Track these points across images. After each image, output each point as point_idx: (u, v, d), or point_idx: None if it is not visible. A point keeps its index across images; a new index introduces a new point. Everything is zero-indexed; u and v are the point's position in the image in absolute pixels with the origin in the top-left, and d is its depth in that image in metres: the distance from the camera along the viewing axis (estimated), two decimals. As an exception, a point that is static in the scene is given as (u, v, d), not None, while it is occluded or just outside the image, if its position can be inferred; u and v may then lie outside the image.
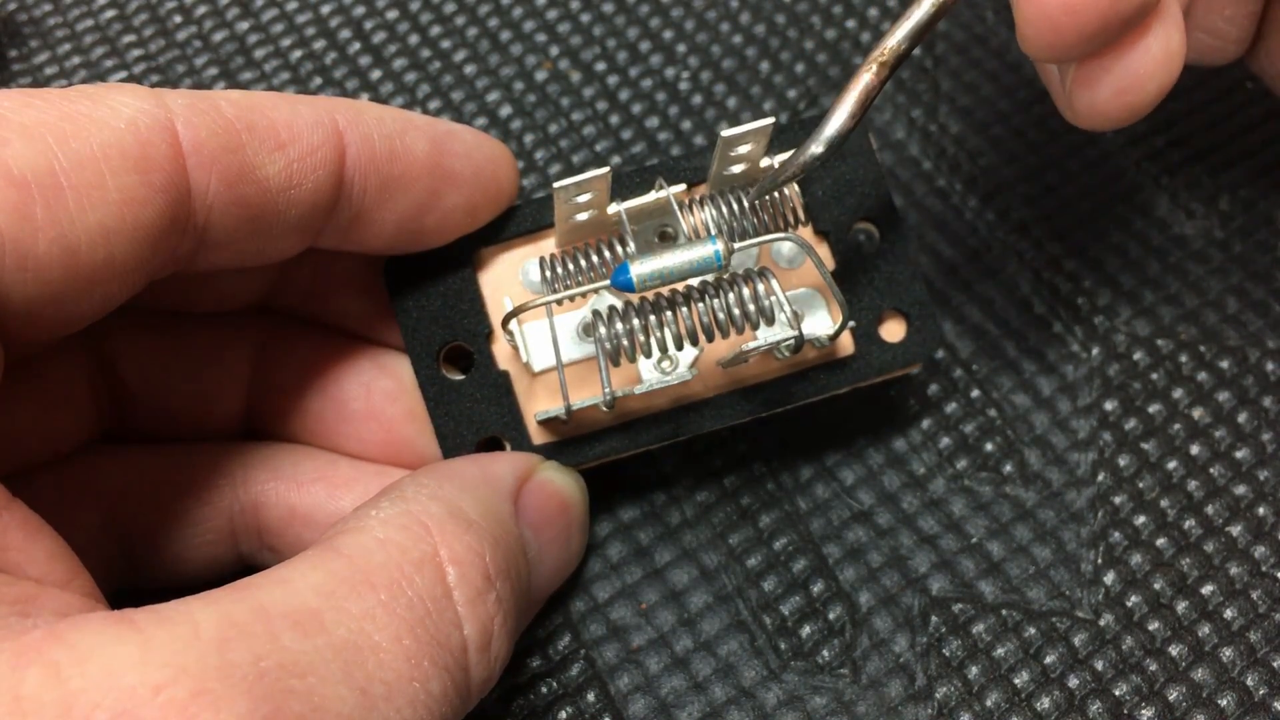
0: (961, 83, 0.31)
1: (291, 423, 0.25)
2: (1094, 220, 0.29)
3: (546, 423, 0.23)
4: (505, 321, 0.22)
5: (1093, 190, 0.29)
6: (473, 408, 0.24)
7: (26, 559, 0.18)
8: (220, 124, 0.20)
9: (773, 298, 0.21)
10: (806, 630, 0.24)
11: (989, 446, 0.26)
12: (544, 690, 0.24)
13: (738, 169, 0.23)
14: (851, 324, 0.23)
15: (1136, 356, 0.27)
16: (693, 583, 0.25)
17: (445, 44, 0.32)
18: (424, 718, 0.18)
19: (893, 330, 0.24)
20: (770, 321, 0.21)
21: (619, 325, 0.21)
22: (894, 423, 0.26)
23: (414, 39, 0.32)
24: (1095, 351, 0.27)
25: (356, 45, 0.32)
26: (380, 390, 0.25)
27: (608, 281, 0.21)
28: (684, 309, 0.21)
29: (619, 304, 0.21)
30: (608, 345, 0.21)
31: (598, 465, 0.24)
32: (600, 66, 0.32)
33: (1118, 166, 0.30)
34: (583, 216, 0.23)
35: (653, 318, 0.21)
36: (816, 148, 0.21)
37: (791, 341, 0.21)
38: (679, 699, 0.23)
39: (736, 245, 0.22)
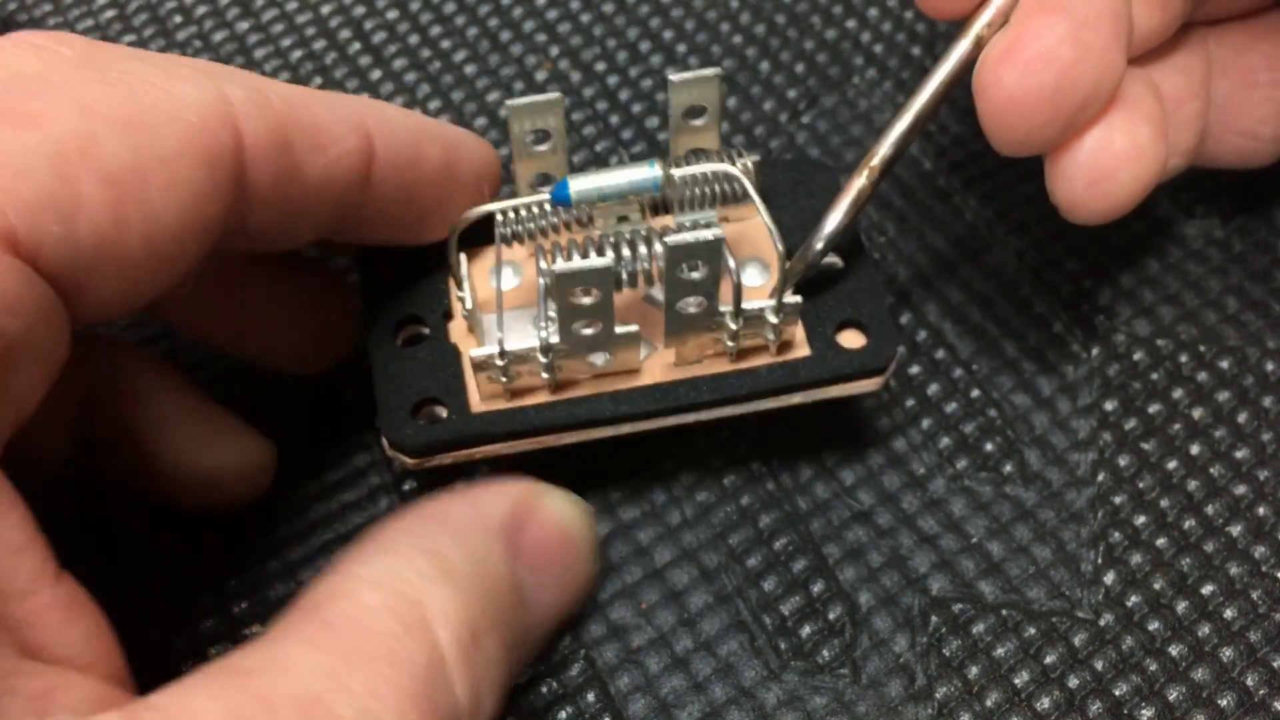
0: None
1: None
2: (1094, 220, 0.29)
3: (487, 383, 0.23)
4: (453, 241, 0.23)
5: (1093, 190, 0.29)
6: (417, 373, 0.23)
7: (59, 640, 0.18)
8: (273, 121, 0.20)
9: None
10: (806, 630, 0.24)
11: (989, 446, 0.26)
12: (544, 690, 0.24)
13: (694, 139, 0.24)
14: (797, 301, 0.23)
15: (1136, 356, 0.27)
16: (693, 583, 0.25)
17: (445, 44, 0.32)
18: None
19: (851, 339, 0.23)
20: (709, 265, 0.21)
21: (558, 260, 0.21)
22: (894, 423, 0.26)
23: (414, 39, 0.32)
24: (1095, 351, 0.27)
25: (356, 45, 0.32)
26: None
27: (548, 195, 0.22)
28: (625, 250, 0.22)
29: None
30: (547, 280, 0.21)
31: (540, 448, 0.23)
32: (600, 66, 0.32)
33: (1118, 166, 0.30)
34: (541, 147, 0.23)
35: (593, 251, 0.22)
36: (818, 244, 0.23)
37: (725, 309, 0.21)
38: (679, 699, 0.23)
39: (677, 171, 0.22)
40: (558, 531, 0.22)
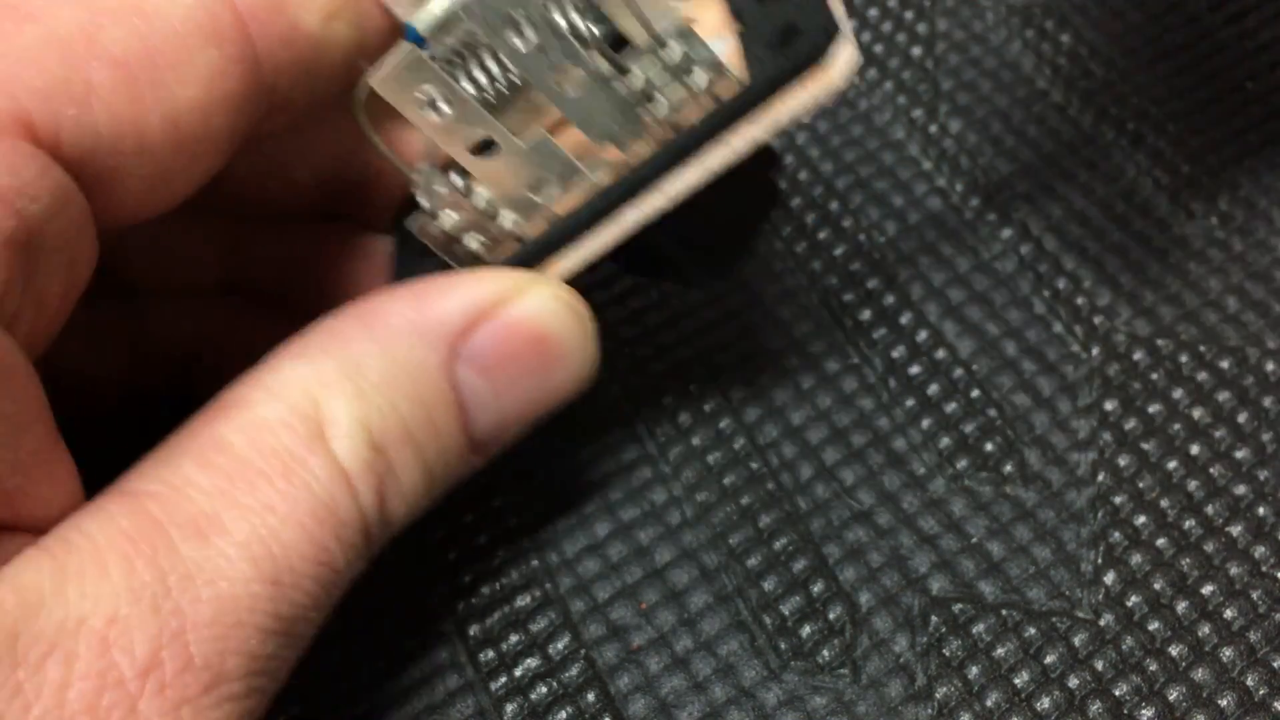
0: (961, 82, 0.31)
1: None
2: (1094, 220, 0.29)
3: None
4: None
5: (1092, 189, 0.29)
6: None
7: (40, 510, 0.18)
8: None
9: None
10: (806, 630, 0.24)
11: (989, 446, 0.26)
12: (544, 690, 0.24)
13: None
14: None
15: (1136, 356, 0.27)
16: (693, 583, 0.25)
17: (445, 44, 0.32)
18: (329, 592, 0.19)
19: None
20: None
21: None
22: (894, 423, 0.26)
23: (414, 39, 0.32)
24: (1095, 351, 0.27)
25: (356, 45, 0.32)
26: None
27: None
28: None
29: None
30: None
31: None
32: (600, 66, 0.32)
33: (1117, 166, 0.30)
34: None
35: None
36: None
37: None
38: (679, 699, 0.23)
39: None
40: (526, 333, 0.21)
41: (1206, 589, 0.24)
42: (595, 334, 0.22)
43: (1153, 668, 0.24)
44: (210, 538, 0.17)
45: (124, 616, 0.16)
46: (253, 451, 0.18)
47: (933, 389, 0.27)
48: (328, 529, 0.18)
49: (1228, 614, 0.24)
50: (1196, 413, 0.26)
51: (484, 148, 0.20)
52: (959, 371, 0.27)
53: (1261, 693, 0.23)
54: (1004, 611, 0.24)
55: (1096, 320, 0.28)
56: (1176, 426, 0.26)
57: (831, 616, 0.24)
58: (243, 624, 0.17)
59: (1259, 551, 0.25)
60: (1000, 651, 0.24)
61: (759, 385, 0.27)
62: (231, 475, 0.18)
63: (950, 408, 0.27)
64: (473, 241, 0.21)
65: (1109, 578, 0.25)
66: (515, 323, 0.20)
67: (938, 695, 0.23)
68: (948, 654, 0.24)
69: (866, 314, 0.28)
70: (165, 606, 0.17)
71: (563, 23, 0.19)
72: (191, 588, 0.17)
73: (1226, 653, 0.24)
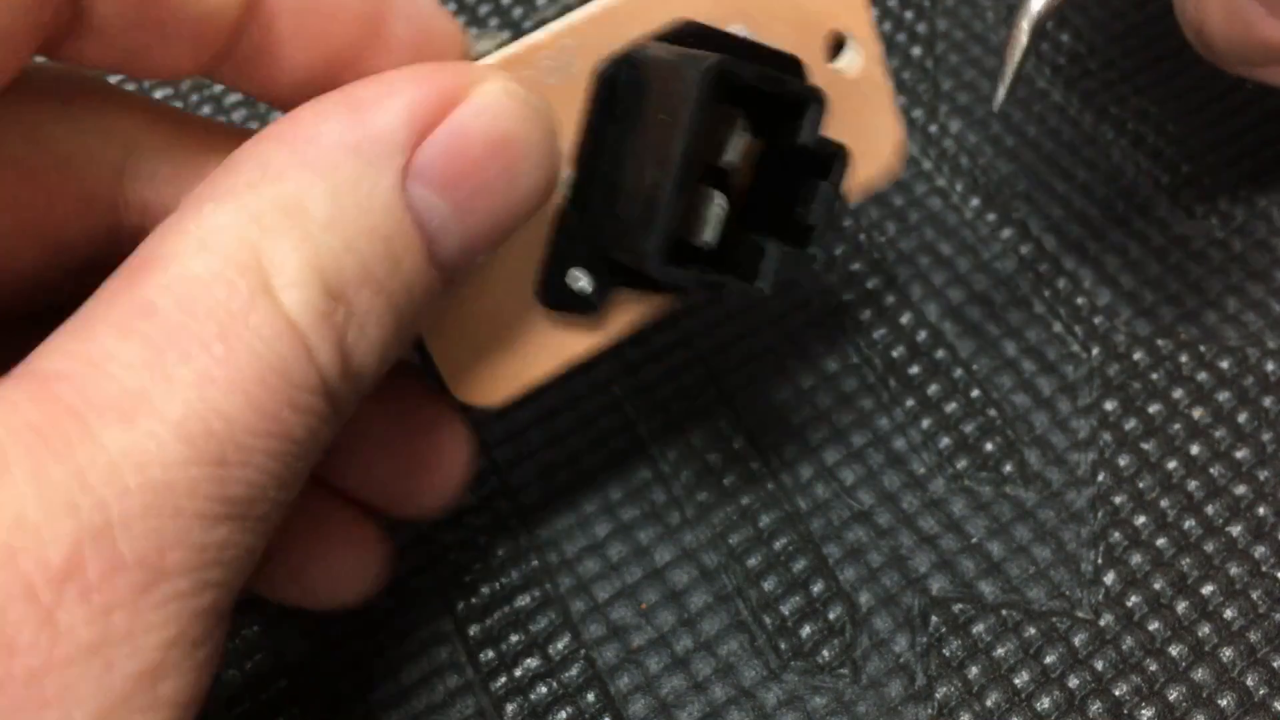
0: (961, 82, 0.31)
1: None
2: (1093, 220, 0.29)
3: None
4: None
5: (1092, 189, 0.29)
6: None
7: None
8: None
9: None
10: (806, 630, 0.24)
11: (989, 446, 0.26)
12: (544, 690, 0.24)
13: None
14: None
15: (1136, 356, 0.27)
16: (693, 583, 0.25)
17: (445, 44, 0.32)
18: (291, 465, 0.16)
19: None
20: None
21: None
22: (894, 423, 0.26)
23: (414, 39, 0.32)
24: (1095, 351, 0.27)
25: (356, 45, 0.32)
26: None
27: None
28: None
29: None
30: None
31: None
32: (600, 66, 0.32)
33: (1117, 166, 0.30)
34: None
35: None
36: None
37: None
38: (679, 699, 0.23)
39: None
40: (482, 137, 0.18)
41: (1206, 589, 0.24)
42: (556, 131, 0.18)
43: (1153, 668, 0.24)
44: (137, 420, 0.15)
45: (32, 520, 0.14)
46: (184, 314, 0.15)
47: (933, 389, 0.27)
48: (280, 395, 0.16)
49: (1228, 614, 0.24)
50: (1196, 413, 0.26)
51: None
52: (959, 371, 0.27)
53: (1261, 692, 0.23)
54: (1004, 611, 0.24)
55: (1096, 320, 0.28)
56: (1176, 426, 0.26)
57: (831, 616, 0.24)
58: (182, 512, 0.15)
59: (1259, 551, 0.25)
60: (1000, 651, 0.24)
61: (759, 385, 0.27)
62: (160, 344, 0.15)
63: (950, 408, 0.27)
64: None
65: (1109, 578, 0.25)
66: (467, 127, 0.17)
67: (938, 695, 0.23)
68: (948, 654, 0.24)
69: (866, 314, 0.28)
70: (85, 503, 0.14)
71: None
72: (117, 479, 0.14)
73: (1226, 652, 0.24)
